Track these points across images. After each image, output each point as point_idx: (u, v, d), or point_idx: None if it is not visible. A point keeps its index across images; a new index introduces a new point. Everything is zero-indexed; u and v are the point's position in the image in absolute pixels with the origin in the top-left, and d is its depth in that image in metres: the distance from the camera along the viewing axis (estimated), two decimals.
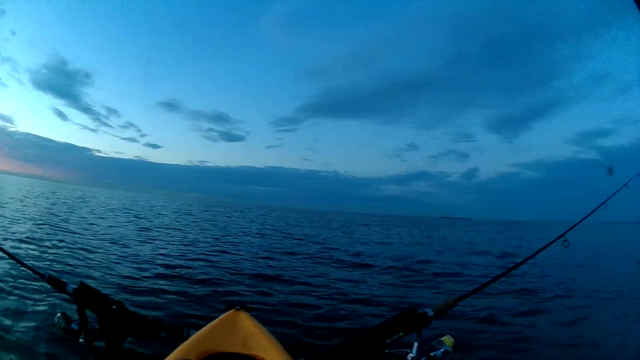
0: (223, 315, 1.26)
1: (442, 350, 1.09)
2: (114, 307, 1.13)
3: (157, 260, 7.05)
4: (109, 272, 5.70)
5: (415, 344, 1.06)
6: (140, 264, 6.61)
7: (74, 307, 1.10)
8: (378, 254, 11.41)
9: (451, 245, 16.59)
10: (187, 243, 10.12)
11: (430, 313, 1.12)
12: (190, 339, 1.12)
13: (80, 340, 1.09)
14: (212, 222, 20.63)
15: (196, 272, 6.36)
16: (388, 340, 1.04)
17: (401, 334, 1.05)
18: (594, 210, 1.98)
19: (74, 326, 1.09)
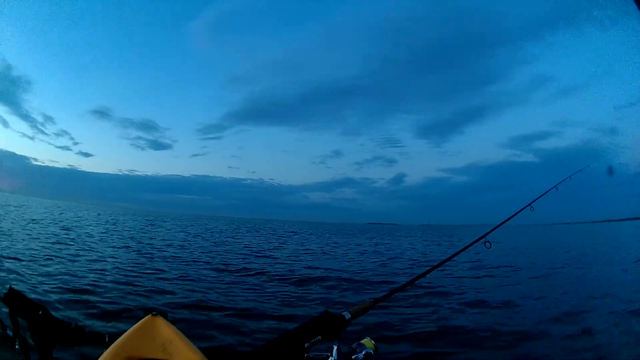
0: (141, 322, 1.24)
1: (363, 352, 1.08)
2: (40, 312, 1.10)
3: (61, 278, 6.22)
4: None
5: (335, 348, 1.04)
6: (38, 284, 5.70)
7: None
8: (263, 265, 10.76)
9: (366, 251, 16.89)
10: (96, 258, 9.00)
11: (348, 316, 1.11)
12: (112, 345, 1.11)
13: (17, 347, 1.07)
14: (131, 233, 19.39)
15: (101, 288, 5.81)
16: (306, 344, 1.01)
17: (319, 337, 1.03)
18: (516, 213, 1.99)
19: (9, 332, 1.07)
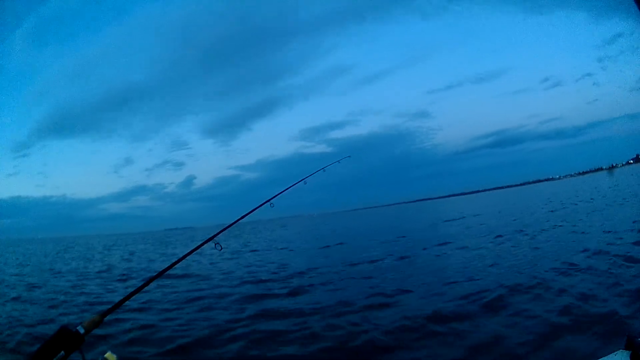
0: None
1: None
2: None
3: None
4: None
5: None
6: None
7: None
8: None
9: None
10: None
11: (82, 330, 1.17)
12: None
13: None
14: None
15: None
16: None
17: (63, 352, 1.09)
18: (250, 211, 2.08)
19: None
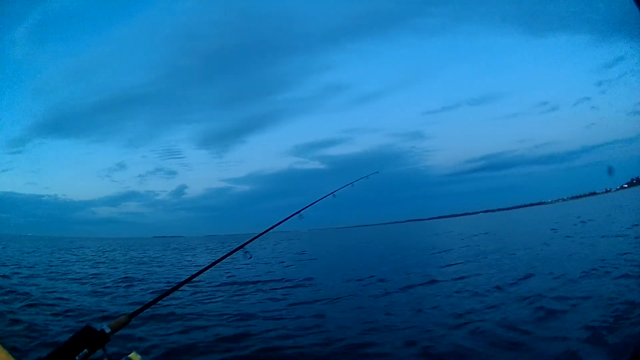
0: None
1: None
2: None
3: None
4: None
5: None
6: None
7: None
8: None
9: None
10: None
11: (108, 330, 1.19)
12: None
13: None
14: None
15: None
16: (77, 358, 1.09)
17: (86, 350, 1.11)
18: (281, 222, 2.08)
19: None
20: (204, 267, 1.67)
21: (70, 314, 5.70)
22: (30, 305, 6.13)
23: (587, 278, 6.05)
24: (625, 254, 7.70)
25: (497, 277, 6.98)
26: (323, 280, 8.51)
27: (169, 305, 5.75)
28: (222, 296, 7.04)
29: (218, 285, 8.09)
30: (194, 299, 6.73)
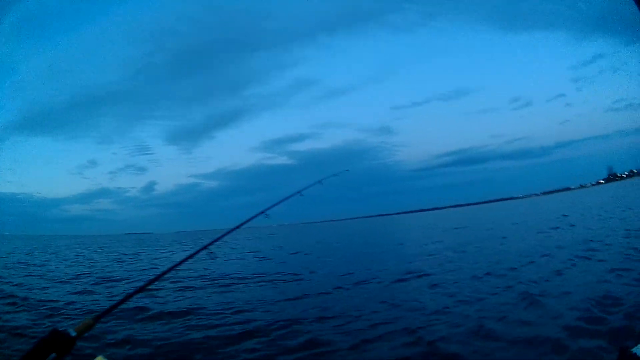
0: None
1: None
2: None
3: None
4: None
5: None
6: None
7: None
8: None
9: None
10: None
11: (73, 333, 1.16)
12: None
13: None
14: None
15: None
16: None
17: (54, 354, 1.09)
18: (246, 221, 2.14)
19: None
20: (166, 268, 1.71)
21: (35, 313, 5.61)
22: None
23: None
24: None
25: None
26: (307, 276, 8.60)
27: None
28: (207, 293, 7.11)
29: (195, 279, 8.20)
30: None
